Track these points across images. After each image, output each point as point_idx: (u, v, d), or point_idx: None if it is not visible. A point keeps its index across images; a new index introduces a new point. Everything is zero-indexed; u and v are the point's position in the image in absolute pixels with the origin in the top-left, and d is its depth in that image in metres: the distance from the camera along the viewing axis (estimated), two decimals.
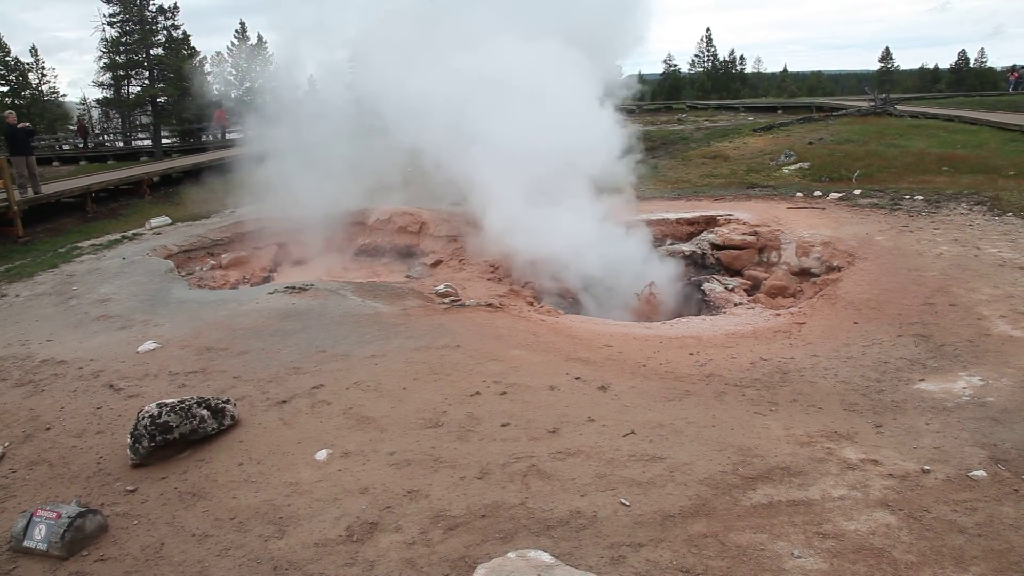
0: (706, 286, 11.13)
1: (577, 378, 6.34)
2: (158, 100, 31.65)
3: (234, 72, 41.85)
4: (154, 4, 31.68)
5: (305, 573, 3.79)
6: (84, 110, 41.26)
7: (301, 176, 16.33)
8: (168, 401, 5.34)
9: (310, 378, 6.54)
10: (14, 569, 4.09)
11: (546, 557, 3.42)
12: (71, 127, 39.82)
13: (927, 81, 67.42)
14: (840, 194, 13.96)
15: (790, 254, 11.31)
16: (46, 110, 36.66)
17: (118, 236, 14.40)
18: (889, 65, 71.35)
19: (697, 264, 12.36)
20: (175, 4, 32.22)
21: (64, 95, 42.05)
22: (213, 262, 13.77)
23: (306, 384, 6.39)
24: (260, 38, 42.78)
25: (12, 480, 5.15)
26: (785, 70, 79.99)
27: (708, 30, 66.20)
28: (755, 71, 76.84)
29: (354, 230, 15.49)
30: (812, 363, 6.64)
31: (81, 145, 33.34)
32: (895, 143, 18.77)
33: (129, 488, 4.85)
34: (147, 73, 32.29)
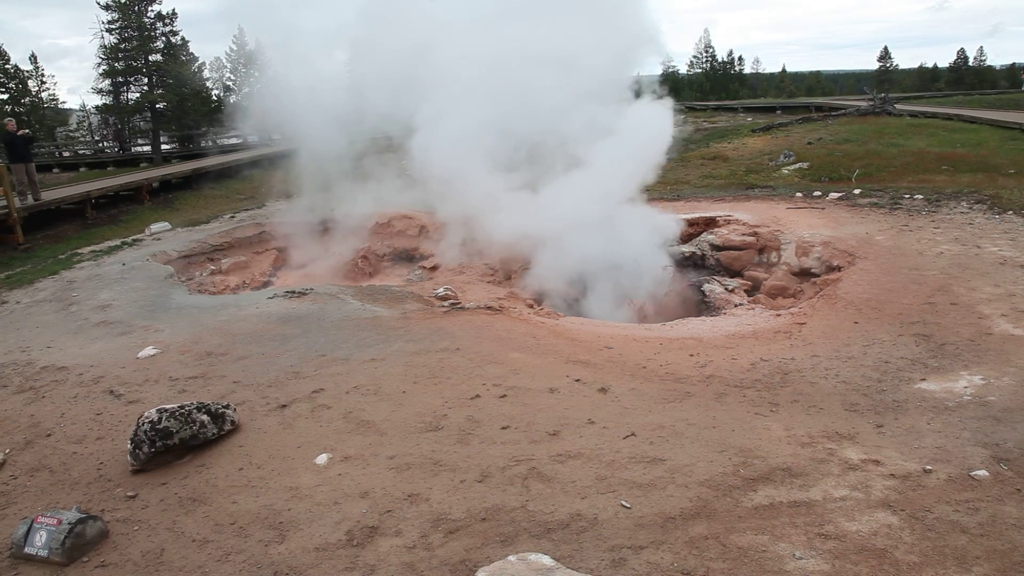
0: (706, 287, 11.12)
1: (577, 380, 6.33)
2: (157, 106, 31.65)
3: (233, 77, 41.93)
4: (152, 10, 31.71)
5: None
6: (92, 113, 41.24)
7: (301, 180, 16.36)
8: (168, 406, 5.34)
9: (310, 382, 6.54)
10: None
11: (547, 560, 3.41)
12: (71, 132, 39.85)
13: (926, 80, 67.48)
14: (840, 194, 13.97)
15: (790, 254, 11.31)
16: (46, 117, 36.66)
17: (118, 242, 14.42)
18: (888, 64, 71.43)
19: (697, 265, 12.35)
20: (173, 10, 32.24)
21: (64, 102, 41.99)
22: (213, 267, 13.77)
23: (306, 388, 6.39)
24: (258, 43, 42.82)
25: (13, 487, 5.14)
26: (783, 70, 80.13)
27: (706, 31, 66.43)
28: (753, 72, 76.98)
29: (355, 234, 15.48)
30: (813, 363, 6.63)
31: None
32: (894, 142, 18.78)
33: (129, 494, 4.84)
34: (146, 79, 32.30)
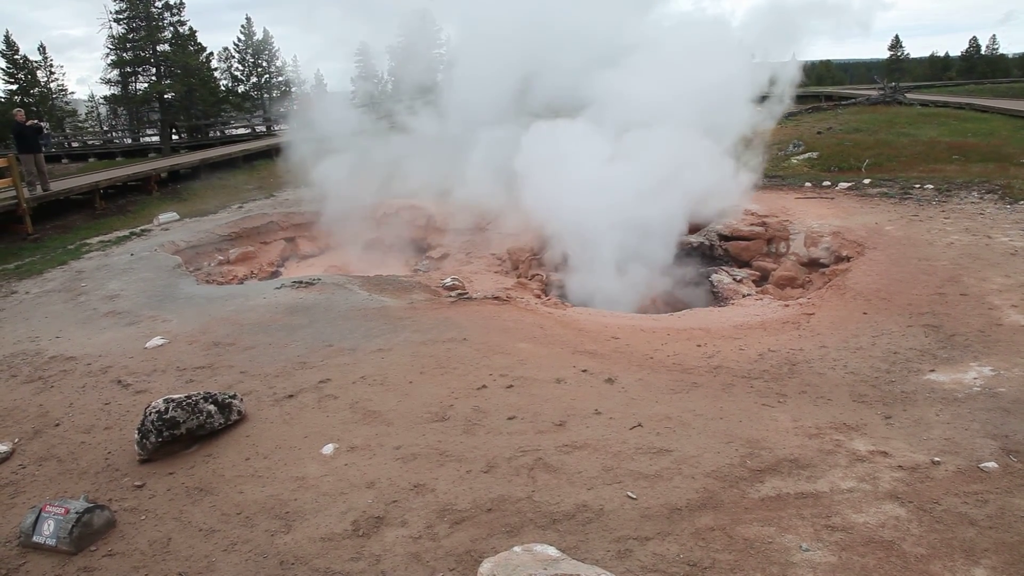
0: (714, 277, 11.07)
1: (584, 371, 6.31)
2: (165, 96, 31.70)
3: (241, 68, 41.96)
4: (160, 0, 31.71)
5: (311, 568, 3.79)
6: (101, 103, 41.35)
7: (309, 171, 16.37)
8: (175, 396, 5.35)
9: (317, 372, 6.54)
10: (23, 564, 4.11)
11: (552, 551, 3.39)
12: (80, 123, 40.01)
13: (937, 69, 66.75)
14: (849, 184, 13.85)
15: (799, 244, 11.24)
16: (55, 107, 36.78)
17: (126, 232, 14.46)
18: (899, 53, 70.65)
19: (705, 255, 12.30)
20: (181, 0, 32.22)
21: (72, 92, 42.13)
22: (221, 257, 13.80)
23: (313, 379, 6.39)
24: (266, 33, 42.82)
25: (21, 476, 5.17)
26: (793, 59, 79.31)
27: None
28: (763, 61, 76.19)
29: (361, 224, 15.49)
30: (821, 354, 6.59)
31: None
32: (905, 132, 18.62)
33: (137, 483, 4.86)
34: (154, 70, 32.37)
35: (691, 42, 13.03)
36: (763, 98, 14.39)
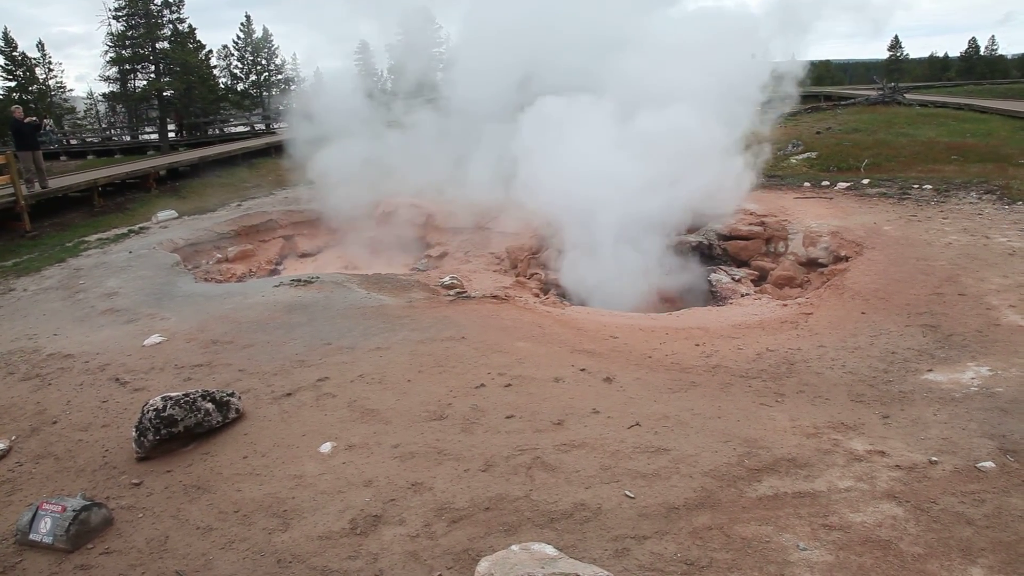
0: (713, 276, 11.07)
1: (582, 370, 6.31)
2: (164, 94, 31.64)
3: (240, 65, 41.92)
4: None
5: (308, 566, 3.79)
6: (100, 101, 41.26)
7: (309, 169, 16.35)
8: (173, 394, 5.35)
9: (315, 371, 6.54)
10: (20, 562, 4.11)
11: (550, 550, 3.39)
12: (79, 120, 39.95)
13: (936, 69, 66.76)
14: (848, 184, 13.85)
15: (797, 244, 11.23)
16: (54, 105, 36.70)
17: (125, 230, 14.43)
18: (898, 53, 70.62)
19: (704, 254, 12.30)
20: None
21: (71, 90, 42.04)
22: (219, 255, 13.78)
23: (311, 377, 6.39)
24: (266, 31, 42.76)
25: (18, 473, 5.17)
26: (793, 59, 79.27)
27: None
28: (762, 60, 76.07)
29: (361, 222, 15.47)
30: (819, 354, 6.60)
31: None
32: (904, 132, 18.62)
33: (134, 481, 4.86)
34: (153, 67, 32.32)
35: (698, 35, 12.97)
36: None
